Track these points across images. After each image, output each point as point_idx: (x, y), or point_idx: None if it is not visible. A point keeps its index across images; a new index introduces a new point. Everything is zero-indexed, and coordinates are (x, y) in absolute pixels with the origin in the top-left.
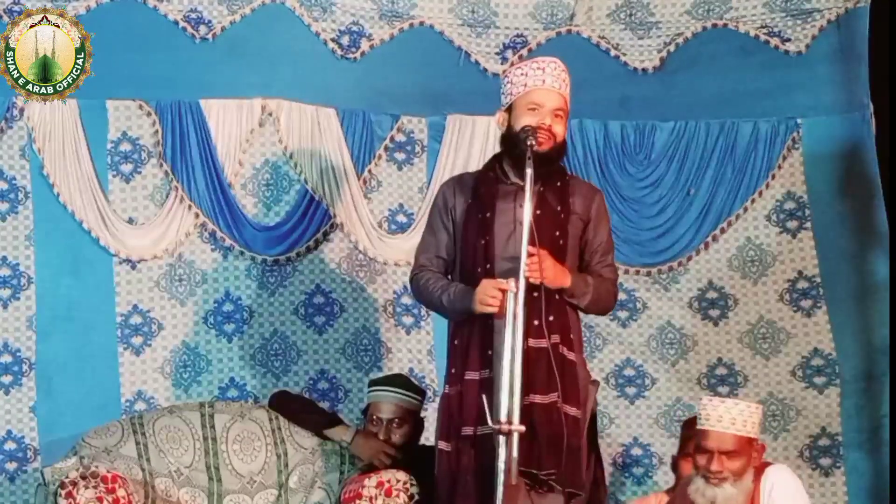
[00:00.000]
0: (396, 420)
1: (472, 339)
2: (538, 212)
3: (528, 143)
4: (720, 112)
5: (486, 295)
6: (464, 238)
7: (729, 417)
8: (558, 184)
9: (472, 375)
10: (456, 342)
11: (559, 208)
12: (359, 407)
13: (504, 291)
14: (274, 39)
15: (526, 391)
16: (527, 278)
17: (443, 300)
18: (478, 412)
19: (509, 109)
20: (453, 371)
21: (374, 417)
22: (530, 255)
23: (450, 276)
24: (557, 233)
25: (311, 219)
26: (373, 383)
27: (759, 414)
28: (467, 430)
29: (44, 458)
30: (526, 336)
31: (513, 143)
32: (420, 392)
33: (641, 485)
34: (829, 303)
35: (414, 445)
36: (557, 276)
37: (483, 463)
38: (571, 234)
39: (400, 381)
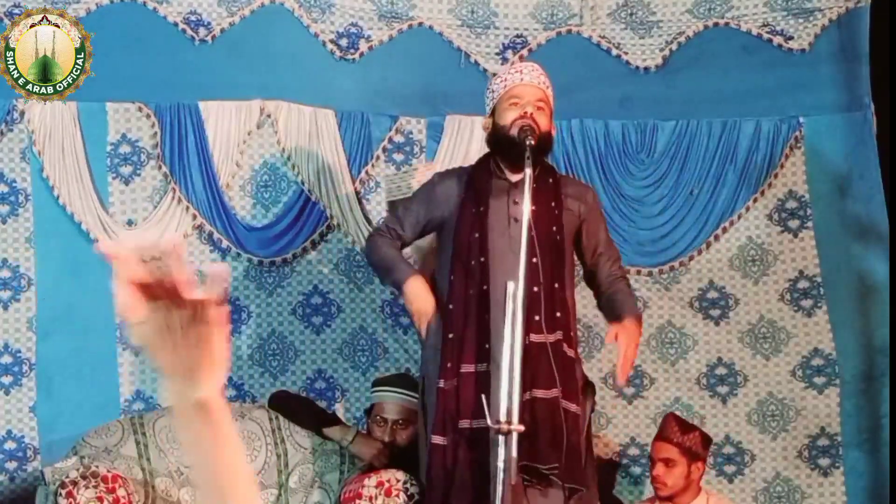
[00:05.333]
0: (401, 421)
1: (468, 333)
2: (533, 208)
3: (528, 142)
4: (722, 111)
5: (410, 306)
6: (457, 231)
7: None
8: (550, 180)
9: (468, 368)
10: (451, 335)
11: (553, 204)
12: (356, 406)
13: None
14: (273, 41)
15: (527, 386)
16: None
17: (383, 262)
18: (474, 406)
19: (493, 113)
20: (449, 365)
21: (379, 418)
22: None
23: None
24: (554, 228)
25: (308, 220)
26: (376, 383)
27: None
28: (464, 423)
29: (44, 458)
30: (527, 331)
31: (497, 139)
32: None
33: (638, 485)
34: (829, 302)
35: (416, 445)
36: (637, 342)
37: (478, 457)
38: (567, 231)
39: (404, 382)
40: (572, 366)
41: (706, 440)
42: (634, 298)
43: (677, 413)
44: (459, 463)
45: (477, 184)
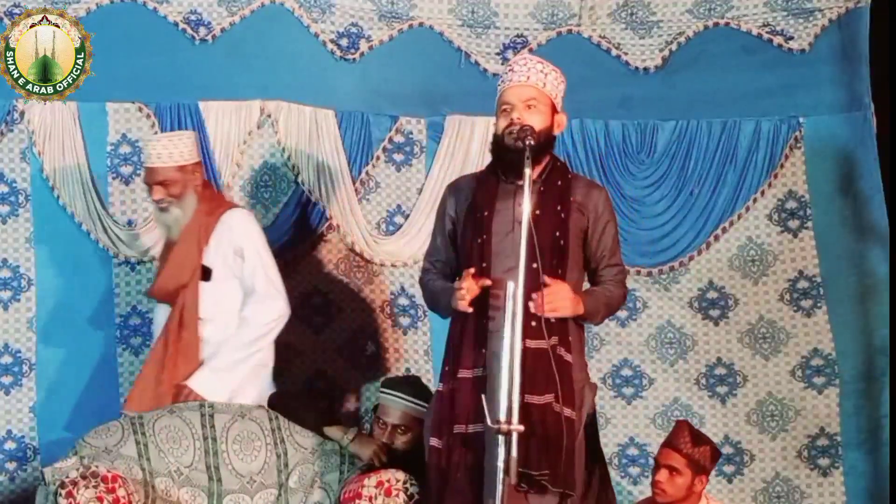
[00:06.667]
0: (402, 427)
1: (466, 337)
2: (537, 212)
3: (528, 142)
4: (722, 111)
5: (457, 289)
6: (462, 236)
7: None
8: (559, 182)
9: (465, 374)
10: (451, 340)
11: (559, 208)
12: (355, 406)
13: (478, 284)
14: (273, 41)
15: (522, 391)
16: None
17: (432, 297)
18: (470, 410)
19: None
20: (447, 369)
21: (381, 420)
22: (545, 285)
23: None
24: (557, 233)
25: (308, 220)
26: (385, 383)
27: None
28: (459, 428)
29: (44, 458)
30: (523, 336)
31: (494, 148)
32: (430, 399)
33: (637, 484)
34: (829, 303)
35: (417, 449)
36: (572, 306)
37: (474, 461)
38: (573, 234)
39: (410, 387)
40: (569, 370)
41: (715, 454)
42: (609, 300)
43: (686, 417)
44: (454, 466)
45: (482, 188)
